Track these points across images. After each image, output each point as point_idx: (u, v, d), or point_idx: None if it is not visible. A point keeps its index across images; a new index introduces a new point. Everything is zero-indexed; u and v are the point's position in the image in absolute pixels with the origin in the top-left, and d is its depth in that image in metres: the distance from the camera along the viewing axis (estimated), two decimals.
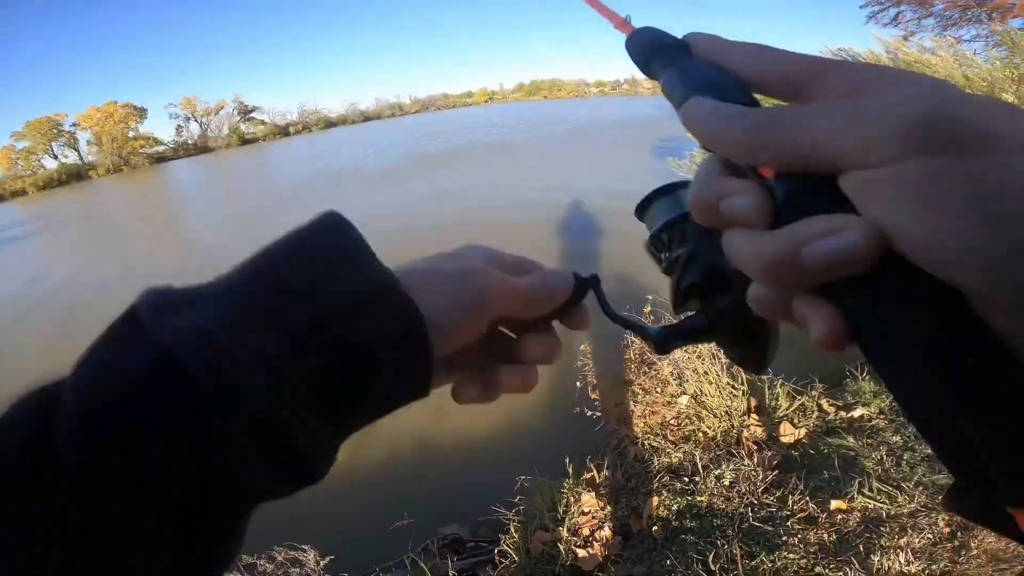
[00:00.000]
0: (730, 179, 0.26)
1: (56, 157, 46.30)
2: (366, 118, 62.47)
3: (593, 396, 3.39)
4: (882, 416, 2.79)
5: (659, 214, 0.43)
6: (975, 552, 1.79)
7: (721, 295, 0.38)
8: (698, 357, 3.30)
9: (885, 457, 2.41)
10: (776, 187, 0.24)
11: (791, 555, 2.00)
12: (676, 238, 0.41)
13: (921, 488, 2.14)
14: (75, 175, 41.36)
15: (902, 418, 2.72)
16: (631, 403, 3.35)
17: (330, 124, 59.19)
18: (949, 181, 0.19)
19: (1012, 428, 0.19)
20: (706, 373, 3.24)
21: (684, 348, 3.34)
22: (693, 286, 0.39)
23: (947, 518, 1.94)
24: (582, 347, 3.69)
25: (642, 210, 0.45)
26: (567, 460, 2.94)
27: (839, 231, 0.21)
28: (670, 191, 0.43)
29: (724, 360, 3.31)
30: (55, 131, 46.49)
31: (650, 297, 3.62)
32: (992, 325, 0.19)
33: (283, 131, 55.73)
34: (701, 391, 3.19)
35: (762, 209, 0.25)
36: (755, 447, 2.80)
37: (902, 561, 1.79)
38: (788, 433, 2.84)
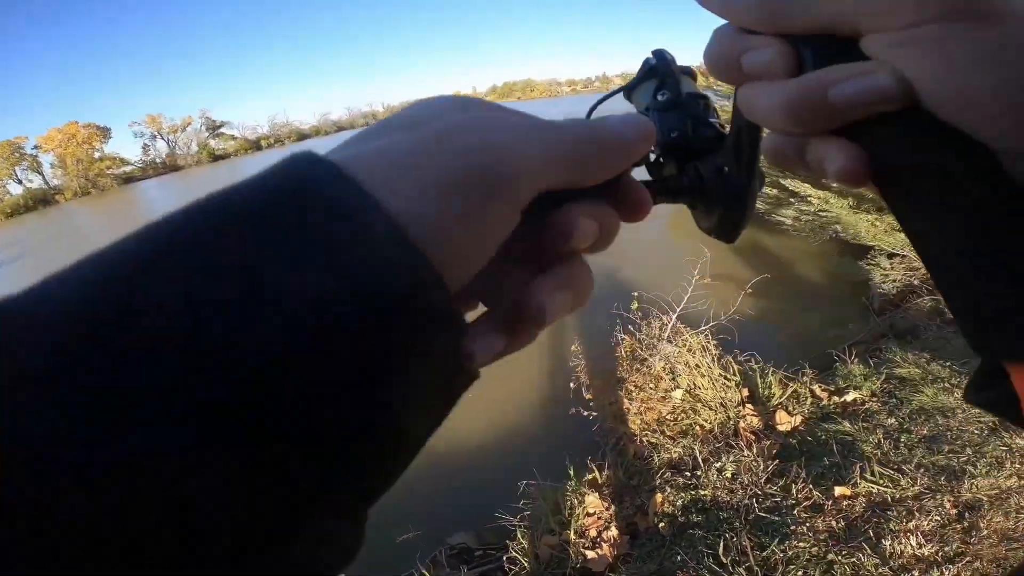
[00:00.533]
0: (752, 36, 0.26)
1: (20, 182, 45.31)
2: (339, 128, 61.92)
3: (587, 396, 3.38)
4: (875, 399, 2.81)
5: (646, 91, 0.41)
6: (985, 532, 1.80)
7: (700, 162, 0.36)
8: (689, 351, 3.31)
9: (882, 440, 2.42)
10: (799, 44, 0.25)
11: (801, 544, 2.01)
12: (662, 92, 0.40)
13: (923, 470, 2.15)
14: (42, 200, 40.52)
15: (895, 400, 2.74)
16: (626, 400, 3.34)
17: (303, 136, 58.64)
18: (973, 41, 0.21)
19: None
20: (697, 366, 3.25)
21: (672, 340, 3.38)
22: (678, 141, 0.37)
23: (952, 499, 1.96)
24: (572, 347, 3.68)
25: (630, 92, 0.43)
26: (567, 462, 2.93)
27: (868, 73, 0.22)
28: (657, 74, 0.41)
29: (715, 351, 3.33)
30: (17, 155, 45.47)
31: (635, 294, 3.63)
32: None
33: (254, 145, 55.09)
34: (694, 384, 3.19)
35: (787, 60, 0.25)
36: (753, 437, 2.81)
37: (914, 544, 1.80)
38: (784, 421, 2.85)
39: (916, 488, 2.06)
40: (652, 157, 0.39)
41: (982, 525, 1.82)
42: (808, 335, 3.91)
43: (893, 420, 2.56)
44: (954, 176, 0.21)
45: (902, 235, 4.09)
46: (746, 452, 2.65)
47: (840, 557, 1.86)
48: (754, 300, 3.95)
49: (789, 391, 3.05)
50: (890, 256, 4.09)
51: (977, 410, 2.47)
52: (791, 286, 4.67)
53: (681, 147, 0.37)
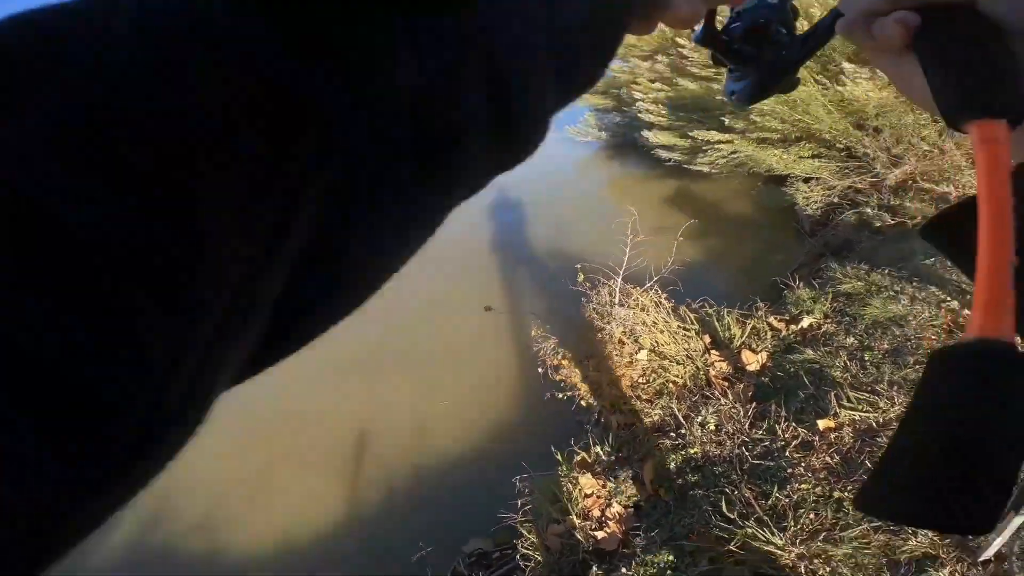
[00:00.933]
0: None
1: None
2: None
3: (557, 378, 3.29)
4: (829, 320, 2.81)
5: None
6: None
7: (768, 44, 0.45)
8: (642, 309, 3.25)
9: (848, 362, 2.41)
10: None
11: (803, 485, 1.97)
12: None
13: (896, 388, 2.14)
14: None
15: (848, 317, 2.75)
16: (596, 373, 3.26)
17: None
18: None
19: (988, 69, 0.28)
20: (655, 323, 3.19)
21: (624, 303, 3.31)
22: (764, 26, 0.45)
23: None
24: (533, 332, 3.57)
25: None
26: (553, 449, 2.85)
27: None
28: None
29: (668, 305, 3.27)
30: None
31: (579, 266, 3.53)
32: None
33: None
34: (656, 342, 3.14)
35: None
36: (726, 383, 2.78)
37: None
38: (751, 361, 2.82)
39: (896, 408, 2.04)
40: (734, 26, 0.46)
41: None
42: (752, 269, 3.92)
43: (852, 339, 2.56)
44: (972, 33, 0.28)
45: (811, 160, 4.15)
46: (723, 400, 2.62)
47: (847, 493, 1.83)
48: (695, 246, 3.92)
49: (748, 329, 3.03)
50: (806, 180, 4.13)
51: (936, 315, 2.49)
52: (726, 225, 4.67)
53: (761, 30, 0.44)
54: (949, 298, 2.55)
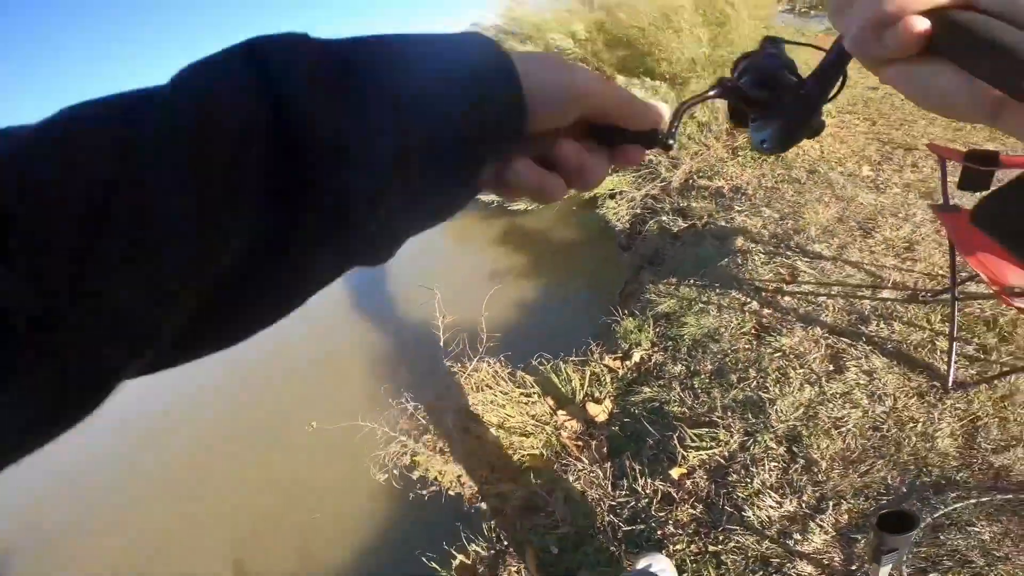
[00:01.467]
0: None
1: None
2: None
3: (414, 476, 3.01)
4: (656, 348, 2.79)
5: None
6: (826, 465, 1.75)
7: (782, 89, 0.45)
8: (478, 389, 3.08)
9: (682, 393, 2.38)
10: None
11: (678, 546, 1.86)
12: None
13: (729, 413, 2.11)
14: None
15: (671, 341, 2.74)
16: (453, 467, 3.02)
17: None
18: None
19: None
20: (493, 401, 3.01)
21: (479, 385, 3.11)
22: (768, 73, 0.46)
23: (772, 436, 1.91)
24: (378, 435, 3.27)
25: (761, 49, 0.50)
26: (425, 560, 2.59)
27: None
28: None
29: (504, 372, 3.12)
30: None
31: (443, 342, 3.29)
32: None
33: None
34: (503, 416, 2.96)
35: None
36: (580, 444, 2.65)
37: (772, 504, 1.70)
38: (597, 412, 2.72)
39: (736, 437, 2.00)
40: (743, 80, 0.48)
41: (816, 457, 1.77)
42: (587, 298, 3.88)
43: (680, 367, 2.54)
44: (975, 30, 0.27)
45: (613, 177, 4.26)
46: (580, 464, 2.48)
47: (720, 546, 1.73)
48: (523, 292, 3.86)
49: (588, 376, 2.93)
50: (612, 196, 4.25)
51: (743, 321, 2.52)
52: (554, 257, 4.61)
53: (771, 77, 0.45)
54: (748, 299, 2.62)
